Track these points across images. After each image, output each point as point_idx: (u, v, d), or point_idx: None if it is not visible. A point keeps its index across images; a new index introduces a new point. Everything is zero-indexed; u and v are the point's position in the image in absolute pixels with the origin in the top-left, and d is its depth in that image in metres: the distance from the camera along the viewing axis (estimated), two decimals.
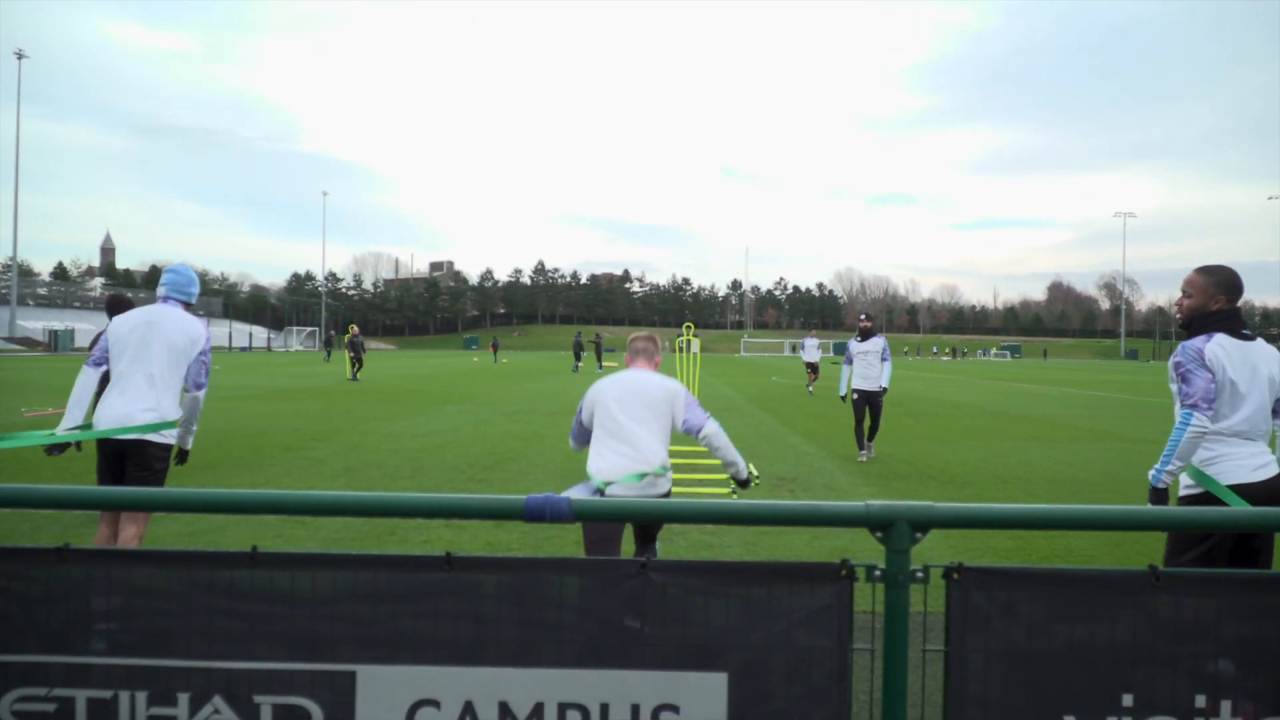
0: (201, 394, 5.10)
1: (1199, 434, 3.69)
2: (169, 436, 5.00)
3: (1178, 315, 3.95)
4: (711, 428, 4.59)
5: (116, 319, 5.08)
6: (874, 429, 11.96)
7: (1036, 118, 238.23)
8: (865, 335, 11.96)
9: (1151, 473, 3.84)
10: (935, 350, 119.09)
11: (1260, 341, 3.80)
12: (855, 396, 11.85)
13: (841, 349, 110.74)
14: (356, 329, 31.72)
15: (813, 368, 27.22)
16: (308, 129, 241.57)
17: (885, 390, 11.91)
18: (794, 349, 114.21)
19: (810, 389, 26.70)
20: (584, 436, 4.82)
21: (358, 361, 30.47)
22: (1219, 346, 3.73)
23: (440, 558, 2.06)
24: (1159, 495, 3.83)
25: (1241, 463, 3.69)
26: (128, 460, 4.92)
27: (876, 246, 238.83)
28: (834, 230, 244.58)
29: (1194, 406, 3.70)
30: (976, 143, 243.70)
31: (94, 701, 2.05)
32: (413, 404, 20.71)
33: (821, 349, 27.89)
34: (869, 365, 11.85)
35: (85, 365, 5.09)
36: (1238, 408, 3.70)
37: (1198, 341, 3.78)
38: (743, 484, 4.92)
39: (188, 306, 5.26)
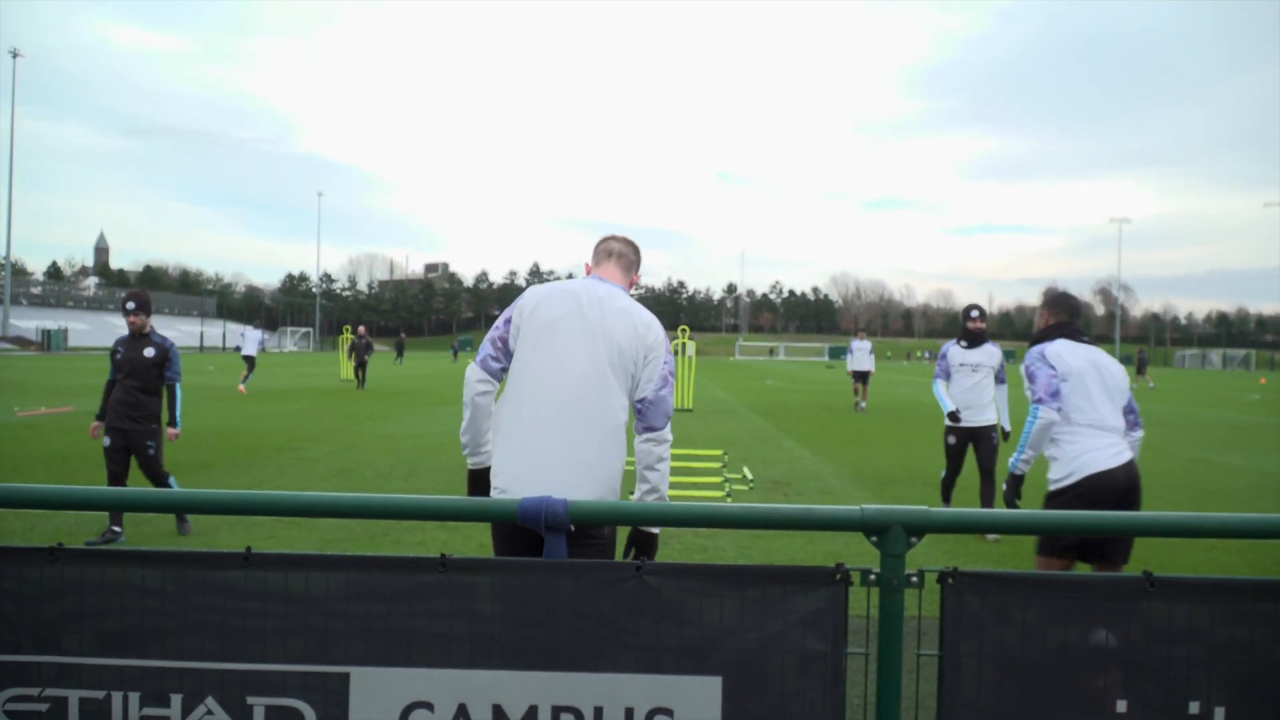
0: None
1: (1047, 424, 4.15)
2: None
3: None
4: (669, 435, 3.01)
5: None
6: (987, 489, 7.60)
7: (1031, 124, 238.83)
8: (974, 340, 7.61)
9: (1010, 461, 4.38)
10: (927, 355, 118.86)
11: (1098, 349, 4.33)
12: (952, 440, 7.76)
13: (839, 354, 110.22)
14: (364, 329, 28.32)
15: (862, 377, 21.59)
16: (302, 130, 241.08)
17: (1007, 434, 7.70)
18: (771, 353, 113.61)
19: (862, 404, 21.64)
20: (494, 380, 3.01)
21: (361, 368, 26.94)
22: (1059, 347, 4.27)
23: (434, 559, 2.06)
24: (1016, 481, 4.38)
25: (1100, 452, 4.07)
26: None
27: (872, 251, 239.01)
28: (829, 234, 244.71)
29: (1040, 401, 4.18)
30: (971, 148, 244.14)
31: (86, 701, 2.05)
32: (407, 405, 20.68)
33: (875, 354, 21.96)
34: (978, 388, 7.58)
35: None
36: (1089, 399, 4.15)
37: (1040, 345, 4.33)
38: (645, 544, 3.01)
39: None
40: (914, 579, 2.05)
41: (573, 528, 2.15)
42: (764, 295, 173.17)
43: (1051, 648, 2.04)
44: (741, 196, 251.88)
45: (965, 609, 2.05)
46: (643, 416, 2.96)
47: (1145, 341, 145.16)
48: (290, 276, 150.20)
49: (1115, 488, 4.04)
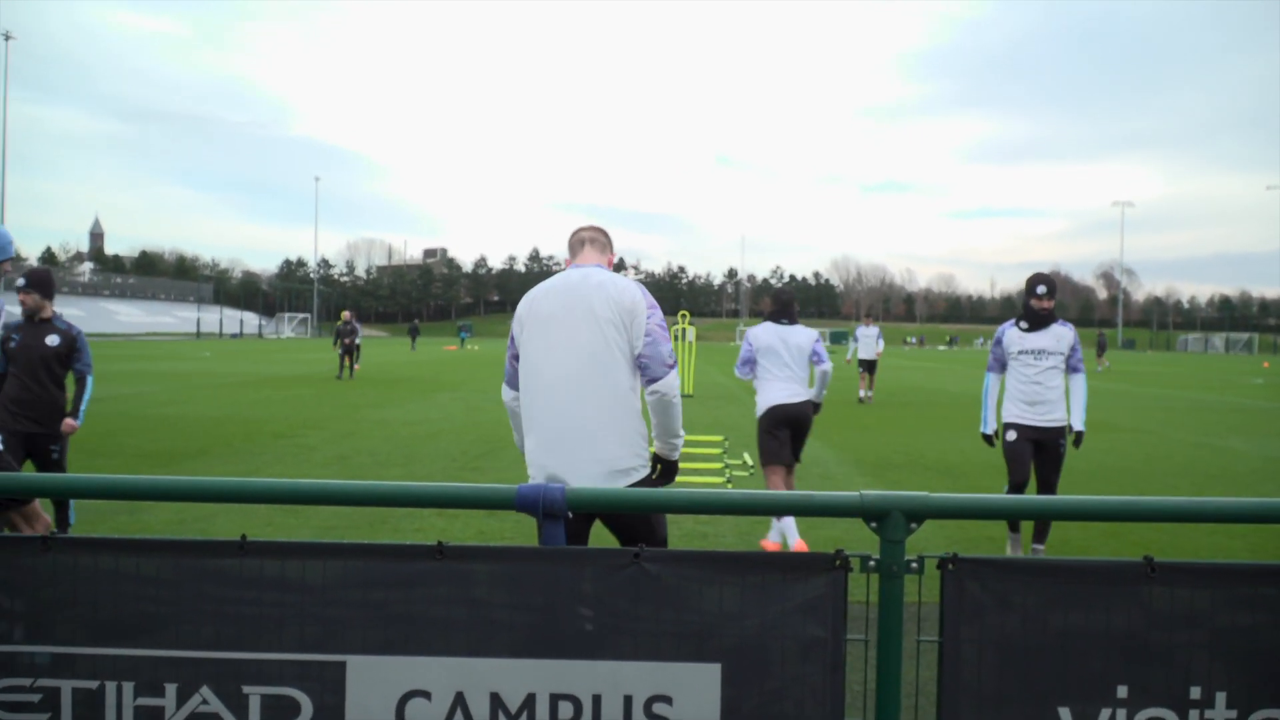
0: None
1: (745, 378, 6.73)
2: None
3: None
4: (673, 380, 3.32)
5: None
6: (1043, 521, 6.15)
7: (1031, 107, 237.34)
8: (1038, 321, 6.18)
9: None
10: (914, 340, 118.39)
11: (798, 327, 6.63)
12: (1012, 436, 6.16)
13: (841, 338, 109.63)
14: (349, 314, 25.73)
15: (868, 366, 19.82)
16: (299, 114, 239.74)
17: (1079, 435, 6.21)
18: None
19: (866, 394, 19.76)
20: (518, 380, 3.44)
21: (348, 355, 24.81)
22: (759, 330, 6.67)
23: (432, 547, 2.06)
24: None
25: (778, 393, 6.51)
26: None
27: (873, 235, 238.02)
28: (830, 218, 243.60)
29: (738, 365, 6.74)
30: (971, 131, 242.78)
31: (80, 691, 2.04)
32: (405, 391, 20.68)
33: (883, 339, 20.15)
34: (1043, 381, 6.10)
35: None
36: (776, 362, 6.55)
37: (752, 329, 6.78)
38: (667, 471, 3.46)
39: None
40: (914, 565, 2.05)
41: (570, 514, 2.15)
42: (765, 280, 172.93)
43: (1052, 633, 2.04)
44: (741, 181, 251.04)
45: (965, 595, 2.05)
46: (644, 370, 3.27)
47: (1148, 325, 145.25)
48: (288, 262, 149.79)
49: (788, 415, 6.50)
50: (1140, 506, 2.19)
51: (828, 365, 6.63)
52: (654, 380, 3.26)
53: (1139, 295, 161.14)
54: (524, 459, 3.39)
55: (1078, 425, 6.22)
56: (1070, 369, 6.26)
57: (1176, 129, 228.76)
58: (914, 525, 2.06)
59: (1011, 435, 6.19)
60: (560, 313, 3.26)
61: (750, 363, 6.60)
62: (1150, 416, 17.72)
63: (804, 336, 6.58)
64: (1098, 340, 43.72)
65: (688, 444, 11.45)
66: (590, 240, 3.52)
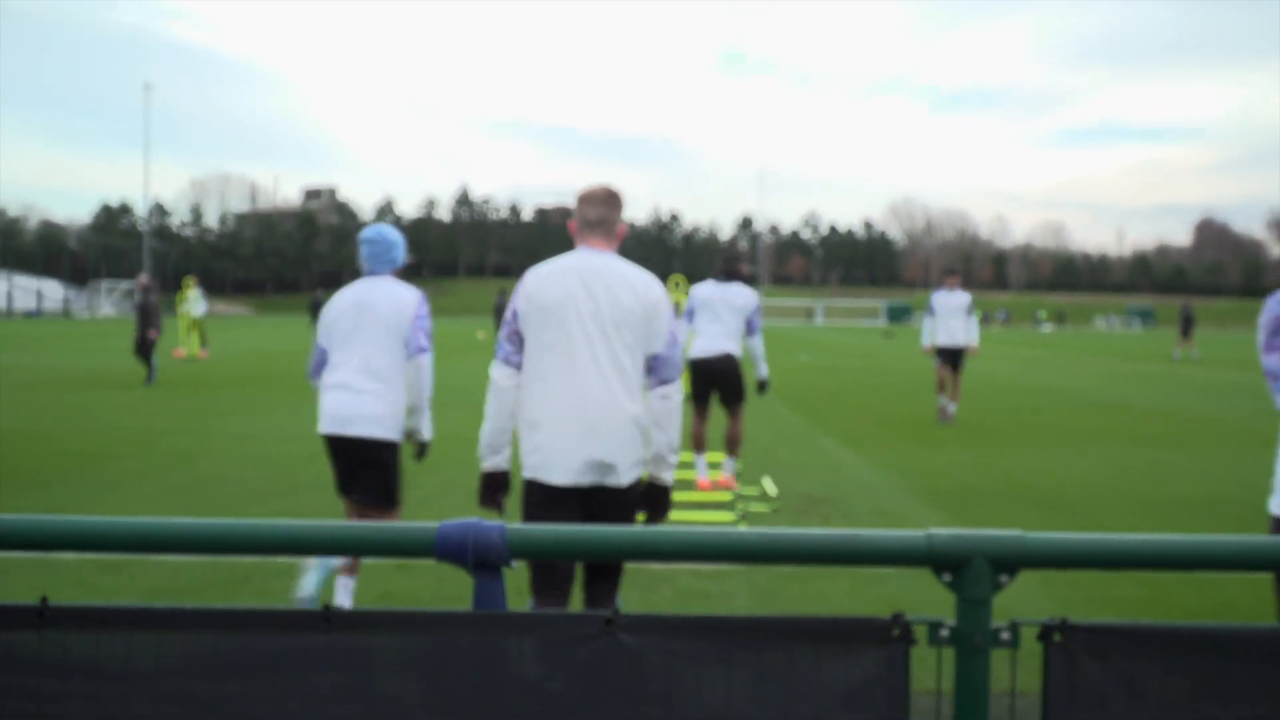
0: (424, 359, 6.13)
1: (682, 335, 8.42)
2: (394, 431, 6.15)
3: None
4: (677, 389, 4.53)
5: (330, 302, 6.25)
6: None
7: None
8: None
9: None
10: (1002, 316, 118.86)
11: (735, 285, 10.53)
12: None
13: (901, 314, 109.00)
14: (145, 279, 23.71)
15: (953, 359, 16.97)
16: None
17: None
18: (806, 315, 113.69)
19: (947, 405, 17.24)
20: (519, 373, 4.52)
21: (145, 349, 22.30)
22: (700, 286, 10.77)
23: (316, 613, 2.06)
24: (763, 384, 11.59)
25: (700, 346, 10.50)
26: (357, 463, 6.14)
27: (947, 168, 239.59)
28: (887, 144, 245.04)
29: (683, 316, 10.71)
30: (1086, 18, 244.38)
31: None
32: (277, 393, 20.63)
33: (977, 315, 17.36)
34: None
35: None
36: (713, 318, 10.45)
37: (696, 285, 10.93)
38: (659, 501, 4.58)
39: (398, 273, 6.42)
40: (1005, 635, 2.06)
41: (514, 563, 2.15)
42: (793, 233, 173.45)
43: None
44: (758, 90, 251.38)
45: (1079, 677, 2.06)
46: (655, 371, 4.41)
47: None
48: (107, 208, 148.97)
49: (709, 368, 10.53)
50: None
51: (756, 339, 10.67)
52: (666, 382, 4.40)
53: None
54: (488, 455, 4.50)
55: None
56: None
57: None
58: (1004, 578, 2.07)
59: None
60: (582, 295, 4.26)
61: (690, 314, 10.61)
62: None
63: (741, 297, 10.44)
64: (1181, 315, 41.83)
65: (688, 466, 11.48)
66: (600, 222, 4.47)
